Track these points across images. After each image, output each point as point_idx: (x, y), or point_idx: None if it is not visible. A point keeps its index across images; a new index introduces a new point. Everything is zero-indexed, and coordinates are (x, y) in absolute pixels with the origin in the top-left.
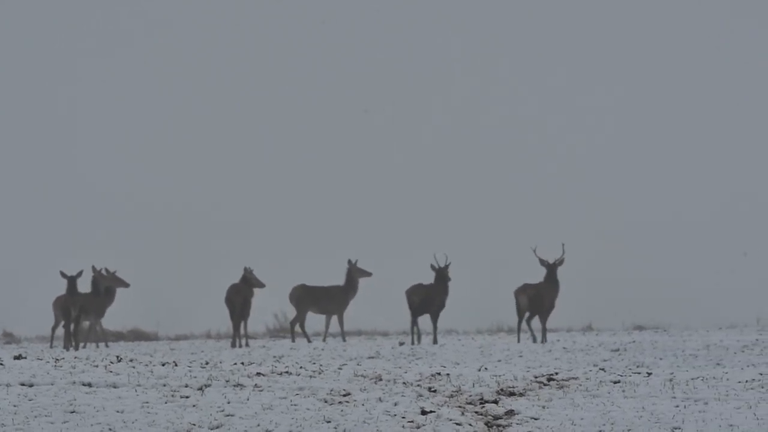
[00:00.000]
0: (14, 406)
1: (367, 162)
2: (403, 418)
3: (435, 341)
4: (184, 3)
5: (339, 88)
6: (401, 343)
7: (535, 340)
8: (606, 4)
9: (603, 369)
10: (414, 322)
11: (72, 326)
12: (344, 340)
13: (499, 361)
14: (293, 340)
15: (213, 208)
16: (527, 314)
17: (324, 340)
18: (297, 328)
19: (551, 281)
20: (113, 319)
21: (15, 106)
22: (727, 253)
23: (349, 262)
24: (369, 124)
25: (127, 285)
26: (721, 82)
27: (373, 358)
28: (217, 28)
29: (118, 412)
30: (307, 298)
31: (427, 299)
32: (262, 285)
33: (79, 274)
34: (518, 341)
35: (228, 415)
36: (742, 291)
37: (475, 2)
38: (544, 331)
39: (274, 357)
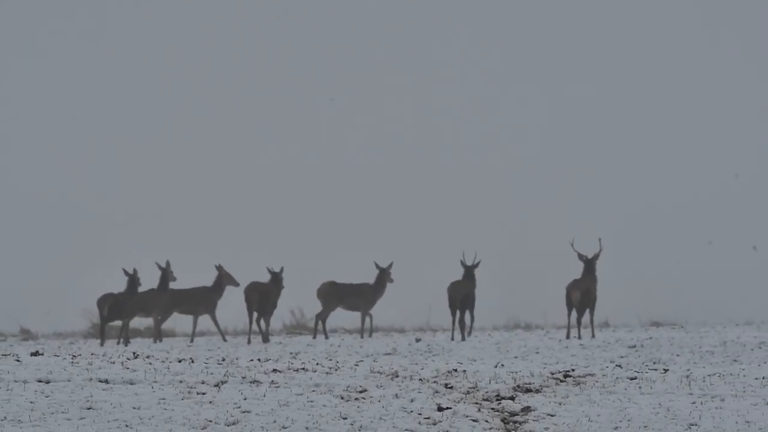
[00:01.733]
0: (31, 402)
1: (384, 158)
2: (420, 414)
3: (464, 337)
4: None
5: (351, 86)
6: (418, 340)
7: (579, 337)
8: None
9: (619, 365)
10: (456, 318)
11: (104, 324)
12: (362, 337)
13: (516, 357)
14: (314, 336)
15: (229, 203)
16: (575, 310)
17: (363, 337)
18: (311, 324)
19: (592, 275)
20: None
21: (8, 105)
22: (744, 248)
23: (379, 267)
24: (385, 125)
25: (237, 284)
26: (737, 71)
27: (389, 354)
28: (211, 27)
29: (134, 408)
30: (335, 294)
31: (468, 295)
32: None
33: (135, 272)
34: (568, 336)
35: (244, 412)
36: (759, 287)
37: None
38: (593, 325)
39: (291, 353)
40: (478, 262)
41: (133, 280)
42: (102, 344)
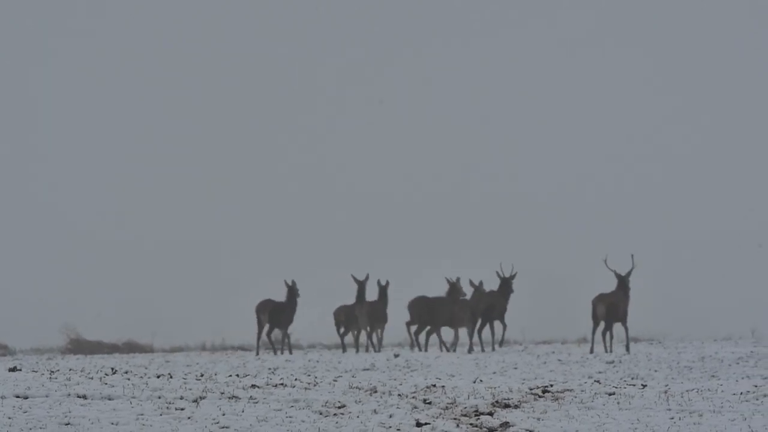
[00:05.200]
0: (9, 418)
1: (413, 172)
2: (398, 430)
3: (493, 348)
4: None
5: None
6: (396, 355)
7: (609, 351)
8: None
9: (598, 381)
10: (481, 330)
11: (267, 330)
12: (454, 351)
13: (494, 373)
14: (420, 349)
15: (227, 227)
16: (602, 324)
17: (452, 350)
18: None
19: (624, 290)
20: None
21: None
22: (725, 264)
23: (450, 282)
24: (410, 135)
25: (464, 295)
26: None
27: (368, 370)
28: (213, 29)
29: (112, 424)
30: (426, 309)
31: (491, 307)
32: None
33: (293, 283)
34: (591, 351)
35: (223, 427)
36: (737, 303)
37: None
38: (628, 340)
39: (269, 369)
40: (515, 274)
41: (292, 290)
42: (258, 354)
